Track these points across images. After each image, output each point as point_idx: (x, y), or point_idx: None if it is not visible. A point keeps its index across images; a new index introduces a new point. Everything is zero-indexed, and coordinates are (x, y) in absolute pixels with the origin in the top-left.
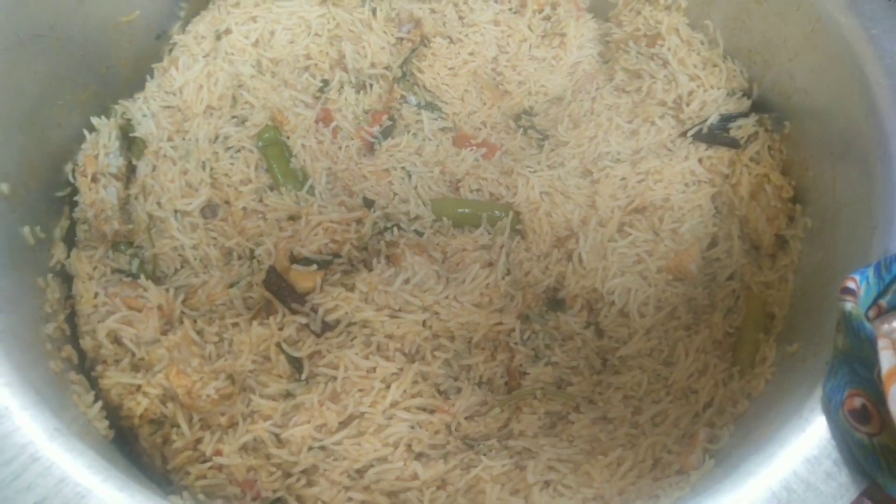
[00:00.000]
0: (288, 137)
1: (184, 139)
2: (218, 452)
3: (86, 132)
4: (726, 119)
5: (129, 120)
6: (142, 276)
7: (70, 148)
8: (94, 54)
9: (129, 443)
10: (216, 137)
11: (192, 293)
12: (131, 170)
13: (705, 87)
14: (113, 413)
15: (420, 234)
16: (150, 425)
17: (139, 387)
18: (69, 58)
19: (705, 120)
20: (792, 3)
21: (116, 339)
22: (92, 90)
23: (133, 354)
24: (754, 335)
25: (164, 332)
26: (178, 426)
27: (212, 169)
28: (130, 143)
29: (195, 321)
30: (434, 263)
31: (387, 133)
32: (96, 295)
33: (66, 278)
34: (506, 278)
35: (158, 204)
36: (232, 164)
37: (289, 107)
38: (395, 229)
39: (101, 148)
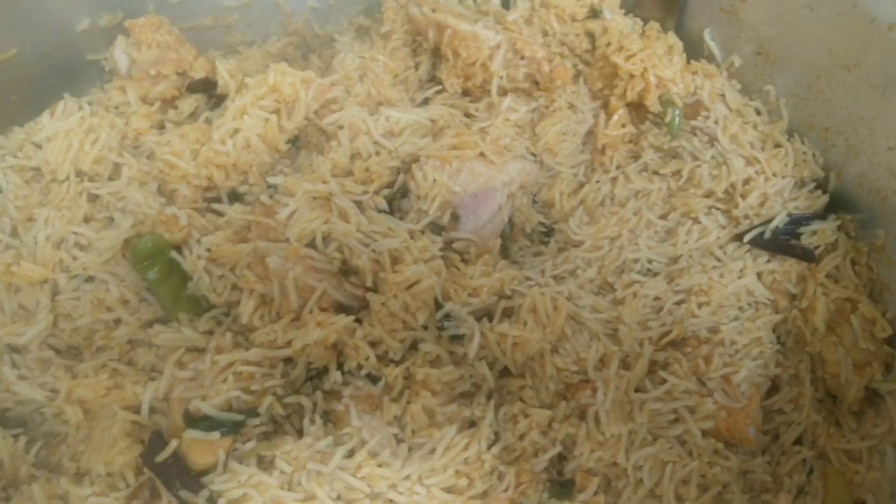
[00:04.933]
0: (179, 249)
1: (20, 235)
2: None
3: None
4: (796, 221)
5: None
6: None
7: None
8: None
9: None
10: (62, 241)
11: (54, 448)
12: None
13: (766, 175)
14: None
15: (374, 379)
16: None
17: None
18: None
19: (768, 221)
20: None
21: None
22: None
23: None
24: None
25: None
26: None
27: (55, 302)
28: None
29: (49, 481)
30: (392, 424)
31: None
32: None
33: None
34: (492, 448)
35: None
36: (77, 299)
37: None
38: (339, 373)
39: None
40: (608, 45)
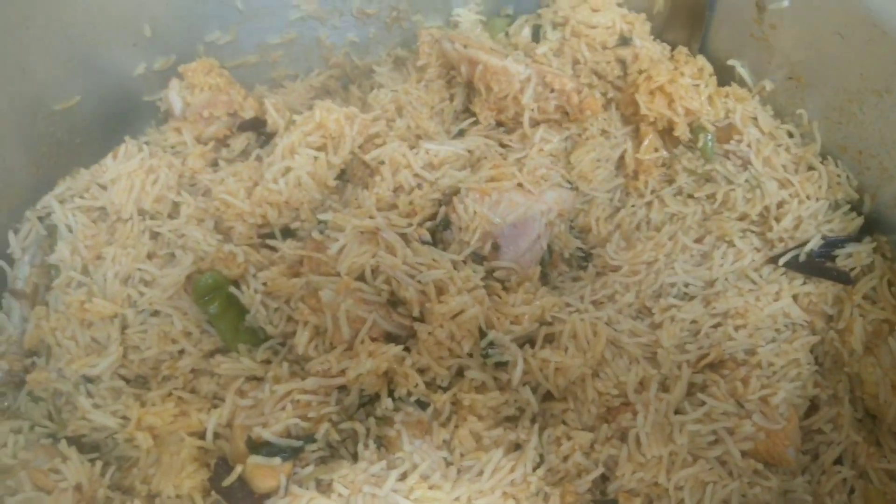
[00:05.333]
0: (237, 284)
1: (90, 272)
2: None
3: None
4: (831, 244)
5: (52, 225)
6: (63, 441)
7: None
8: None
9: None
10: (128, 278)
11: (127, 471)
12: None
13: (800, 198)
14: None
15: (423, 405)
16: None
17: None
18: None
19: (803, 244)
20: None
21: None
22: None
23: None
24: None
25: None
26: None
27: (124, 335)
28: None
29: (124, 503)
30: (441, 448)
31: None
32: None
33: None
34: (538, 470)
35: (59, 371)
36: (144, 332)
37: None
38: (390, 401)
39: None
40: (639, 72)
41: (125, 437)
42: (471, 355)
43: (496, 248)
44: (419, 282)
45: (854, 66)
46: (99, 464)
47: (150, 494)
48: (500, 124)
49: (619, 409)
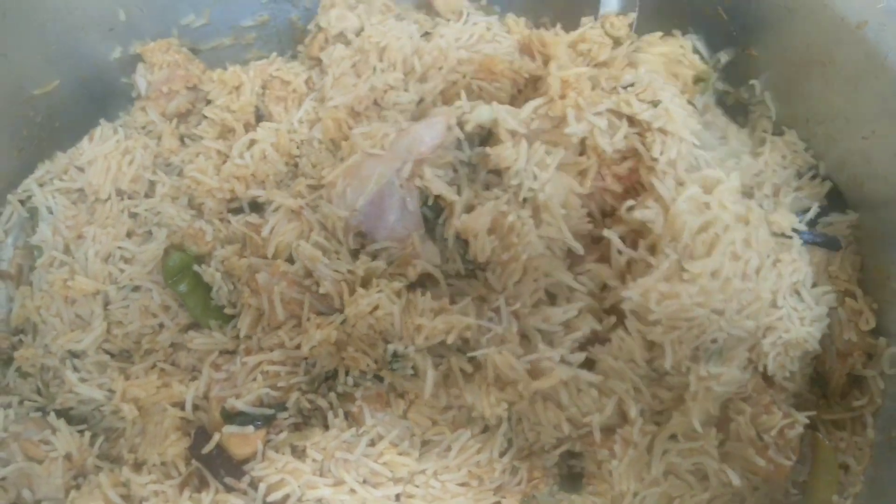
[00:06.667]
0: (202, 263)
1: (72, 252)
2: None
3: None
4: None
5: (34, 207)
6: (52, 414)
7: None
8: None
9: None
10: (109, 256)
11: (114, 441)
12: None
13: (773, 167)
14: None
15: (381, 379)
16: None
17: None
18: None
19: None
20: (869, 69)
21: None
22: None
23: None
24: (825, 495)
25: (70, 488)
26: None
27: (107, 311)
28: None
29: (112, 471)
30: (403, 418)
31: None
32: None
33: None
34: (504, 457)
35: (46, 348)
36: (126, 307)
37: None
38: (348, 378)
39: None
40: None
41: (111, 408)
42: (377, 363)
43: (362, 235)
44: (335, 270)
45: (800, 39)
46: (87, 434)
47: (137, 462)
48: None
49: (592, 441)
